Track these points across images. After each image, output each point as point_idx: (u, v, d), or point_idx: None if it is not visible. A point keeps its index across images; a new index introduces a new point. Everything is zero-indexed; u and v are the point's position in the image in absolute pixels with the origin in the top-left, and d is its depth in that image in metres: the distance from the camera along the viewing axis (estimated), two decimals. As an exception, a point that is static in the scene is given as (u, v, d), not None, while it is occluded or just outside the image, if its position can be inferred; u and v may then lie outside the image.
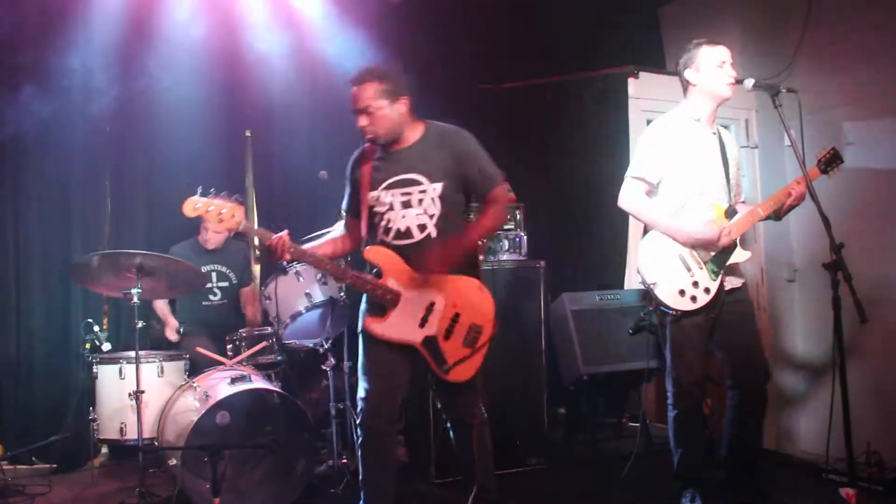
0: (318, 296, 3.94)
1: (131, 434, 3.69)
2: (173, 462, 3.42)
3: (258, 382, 3.60)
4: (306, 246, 2.93)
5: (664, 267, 3.15)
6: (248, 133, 4.76)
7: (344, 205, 3.06)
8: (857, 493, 3.04)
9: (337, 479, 3.79)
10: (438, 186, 2.84)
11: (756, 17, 4.79)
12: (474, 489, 2.93)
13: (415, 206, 2.84)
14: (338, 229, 3.17)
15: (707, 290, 3.13)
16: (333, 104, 4.75)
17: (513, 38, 5.28)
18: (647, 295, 3.26)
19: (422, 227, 2.83)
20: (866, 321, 2.77)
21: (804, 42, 4.58)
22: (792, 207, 3.25)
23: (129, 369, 3.70)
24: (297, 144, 4.87)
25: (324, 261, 2.85)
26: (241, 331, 4.04)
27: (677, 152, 3.18)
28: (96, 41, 4.42)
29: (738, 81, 3.21)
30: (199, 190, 2.76)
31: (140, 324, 3.61)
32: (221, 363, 3.81)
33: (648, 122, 3.60)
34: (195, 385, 3.61)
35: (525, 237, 4.28)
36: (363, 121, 2.83)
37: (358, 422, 2.90)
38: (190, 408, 3.52)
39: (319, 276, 3.93)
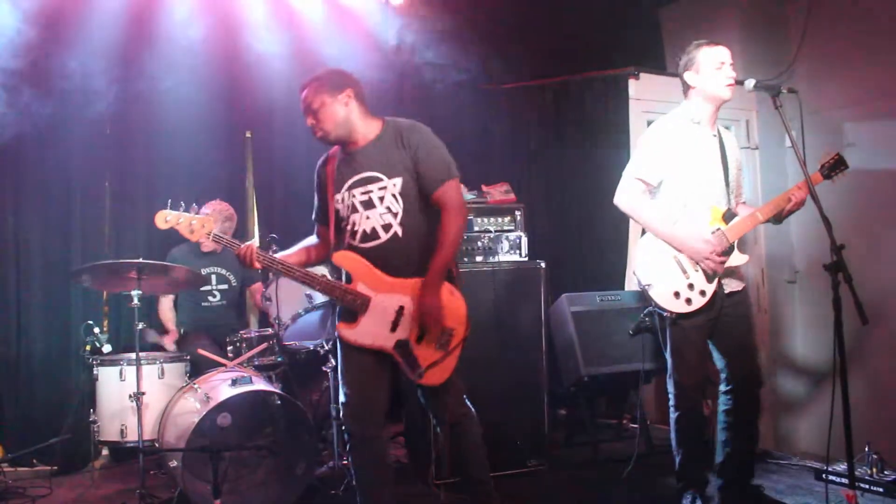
0: (319, 297, 3.93)
1: (132, 436, 3.69)
2: (174, 463, 3.42)
3: (259, 384, 3.60)
4: (280, 254, 2.96)
5: (660, 268, 3.14)
6: (248, 134, 4.78)
7: (313, 214, 3.06)
8: (858, 493, 3.03)
9: (337, 481, 3.79)
10: (398, 182, 2.81)
11: (756, 17, 4.78)
12: (474, 487, 2.95)
13: (377, 205, 2.81)
14: (313, 237, 3.17)
15: (703, 293, 3.12)
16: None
17: (513, 39, 5.28)
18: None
19: (387, 227, 2.81)
20: (867, 323, 2.77)
21: (805, 42, 4.58)
22: (792, 212, 3.24)
23: (130, 371, 3.71)
24: (298, 145, 4.86)
25: (293, 269, 2.85)
26: (241, 332, 4.06)
27: (677, 154, 3.17)
28: (96, 43, 4.41)
29: (739, 82, 3.19)
30: (169, 203, 2.87)
31: (140, 325, 3.63)
32: (222, 365, 3.82)
33: (649, 123, 3.59)
34: (196, 386, 3.62)
35: (525, 238, 4.28)
36: (310, 120, 2.86)
37: (343, 428, 2.88)
38: (191, 409, 3.52)
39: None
